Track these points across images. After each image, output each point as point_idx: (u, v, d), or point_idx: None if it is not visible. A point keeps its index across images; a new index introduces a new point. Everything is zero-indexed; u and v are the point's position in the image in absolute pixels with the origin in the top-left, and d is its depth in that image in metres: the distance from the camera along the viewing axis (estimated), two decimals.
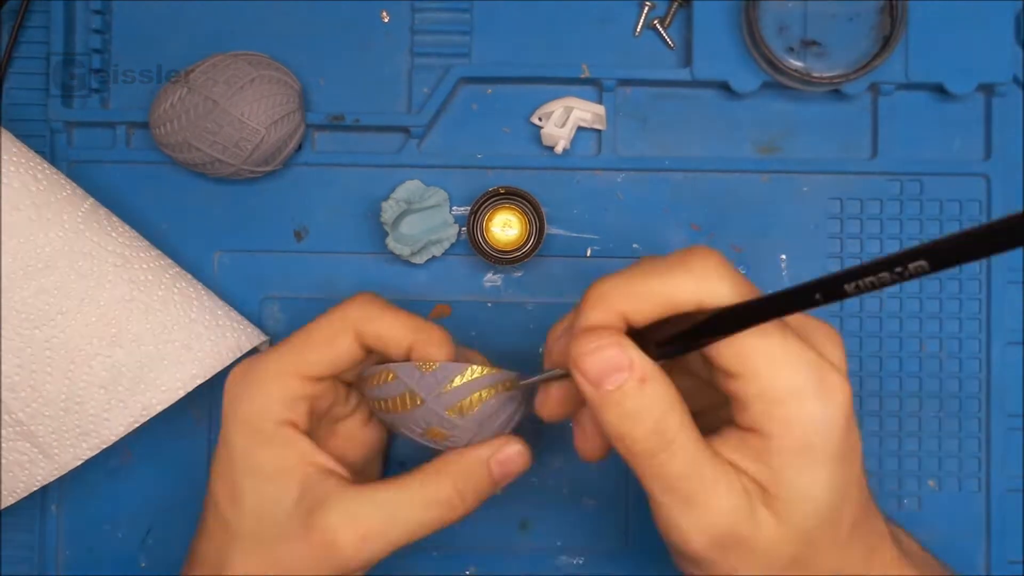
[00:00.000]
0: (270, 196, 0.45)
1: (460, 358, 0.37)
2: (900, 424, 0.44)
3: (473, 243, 0.43)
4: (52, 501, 0.45)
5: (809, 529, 0.31)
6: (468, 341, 0.44)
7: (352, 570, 0.34)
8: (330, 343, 0.36)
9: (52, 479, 0.41)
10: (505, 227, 0.43)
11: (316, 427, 0.37)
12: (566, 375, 0.33)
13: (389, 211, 0.43)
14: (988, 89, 0.44)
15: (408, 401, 0.35)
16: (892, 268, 0.24)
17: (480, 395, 0.34)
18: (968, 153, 0.45)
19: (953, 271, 0.44)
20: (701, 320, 0.29)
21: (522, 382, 0.35)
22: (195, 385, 0.40)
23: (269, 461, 0.35)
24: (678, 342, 0.30)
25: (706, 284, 0.30)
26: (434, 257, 0.44)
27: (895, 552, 0.34)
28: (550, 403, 0.34)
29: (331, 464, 0.35)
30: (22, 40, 0.45)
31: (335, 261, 0.45)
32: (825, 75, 0.43)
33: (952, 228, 0.44)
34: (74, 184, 0.42)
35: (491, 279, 0.45)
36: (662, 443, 0.30)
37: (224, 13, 0.45)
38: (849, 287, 0.25)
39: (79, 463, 0.40)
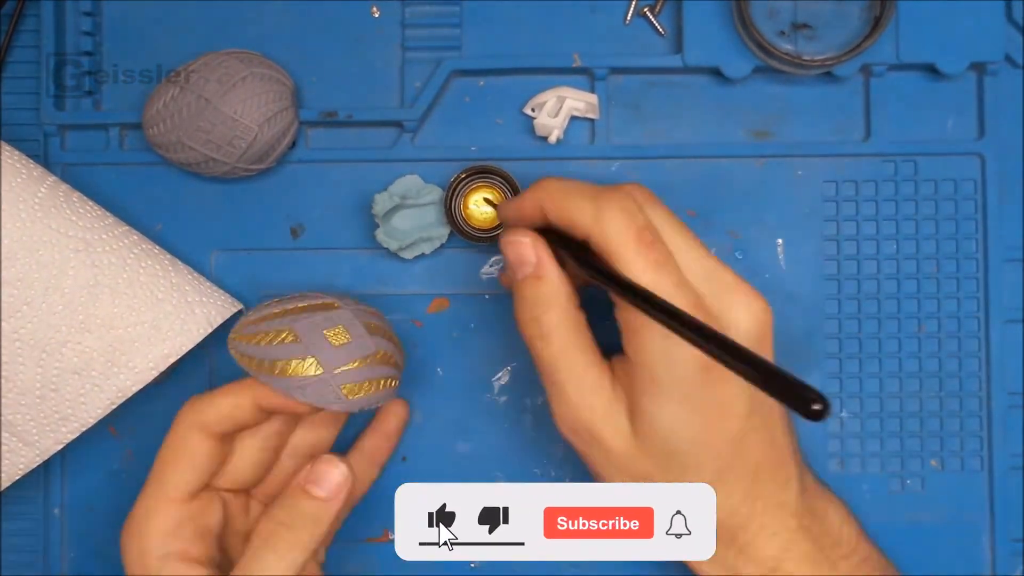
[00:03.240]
0: (265, 194, 0.45)
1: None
2: (901, 405, 0.44)
3: (454, 227, 0.43)
4: (55, 504, 0.44)
5: (662, 458, 0.35)
6: (467, 333, 0.45)
7: None
8: (182, 457, 0.37)
9: (34, 466, 0.41)
10: (481, 205, 0.43)
11: (221, 542, 0.39)
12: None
13: (381, 203, 0.43)
14: (980, 68, 0.44)
15: (300, 368, 0.36)
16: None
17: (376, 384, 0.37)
18: (962, 132, 0.45)
19: (950, 250, 0.44)
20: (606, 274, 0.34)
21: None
22: (168, 364, 0.40)
23: None
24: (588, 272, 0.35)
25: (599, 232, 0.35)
26: (424, 254, 0.44)
27: (795, 536, 0.36)
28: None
29: None
30: (14, 44, 0.45)
31: (332, 258, 0.45)
32: (816, 58, 0.42)
33: (947, 207, 0.45)
34: (31, 163, 0.41)
35: (488, 271, 0.45)
36: (539, 332, 0.36)
37: (215, 12, 0.45)
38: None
39: (60, 447, 0.40)
